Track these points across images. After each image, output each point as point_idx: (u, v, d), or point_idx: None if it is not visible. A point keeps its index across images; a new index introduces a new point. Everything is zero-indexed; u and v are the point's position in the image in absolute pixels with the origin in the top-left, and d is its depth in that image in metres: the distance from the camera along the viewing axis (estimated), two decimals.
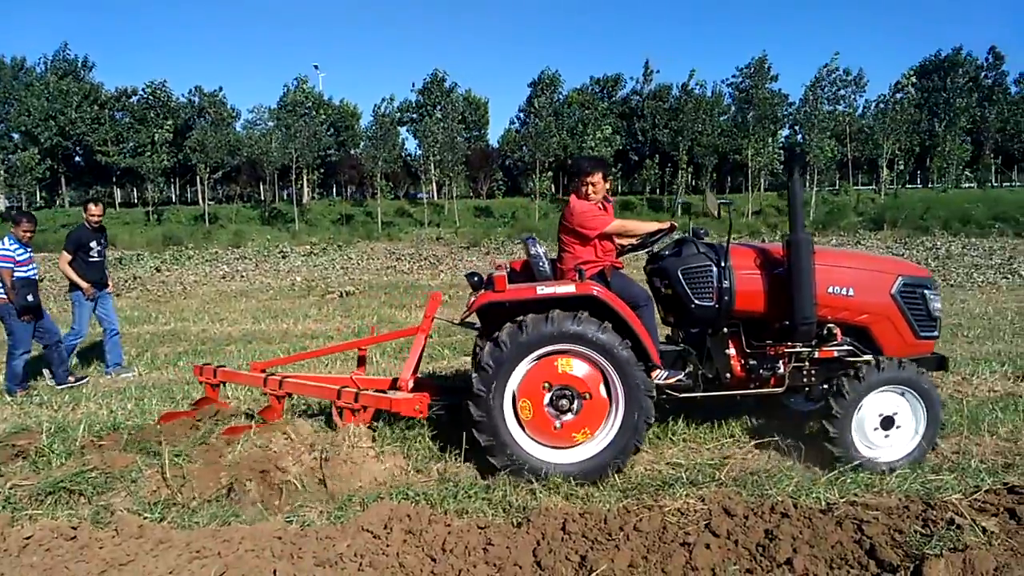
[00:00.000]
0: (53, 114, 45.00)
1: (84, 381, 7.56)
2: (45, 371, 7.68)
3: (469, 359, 8.07)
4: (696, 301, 4.84)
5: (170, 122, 44.46)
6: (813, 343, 4.88)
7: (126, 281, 17.20)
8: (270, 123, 45.74)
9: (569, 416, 4.57)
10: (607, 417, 4.60)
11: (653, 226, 5.14)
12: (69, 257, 7.94)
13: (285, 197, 50.51)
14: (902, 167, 48.67)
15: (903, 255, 19.63)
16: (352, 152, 54.23)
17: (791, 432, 5.07)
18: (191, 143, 43.06)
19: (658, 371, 4.77)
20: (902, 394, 4.68)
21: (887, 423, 4.67)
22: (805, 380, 4.99)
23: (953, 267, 17.45)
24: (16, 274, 7.18)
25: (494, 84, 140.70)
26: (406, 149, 53.58)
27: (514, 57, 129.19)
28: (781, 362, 4.94)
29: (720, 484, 4.31)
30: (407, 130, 54.42)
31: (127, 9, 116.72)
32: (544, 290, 4.56)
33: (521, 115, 57.00)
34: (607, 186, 5.11)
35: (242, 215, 43.82)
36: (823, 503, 3.89)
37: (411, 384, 5.01)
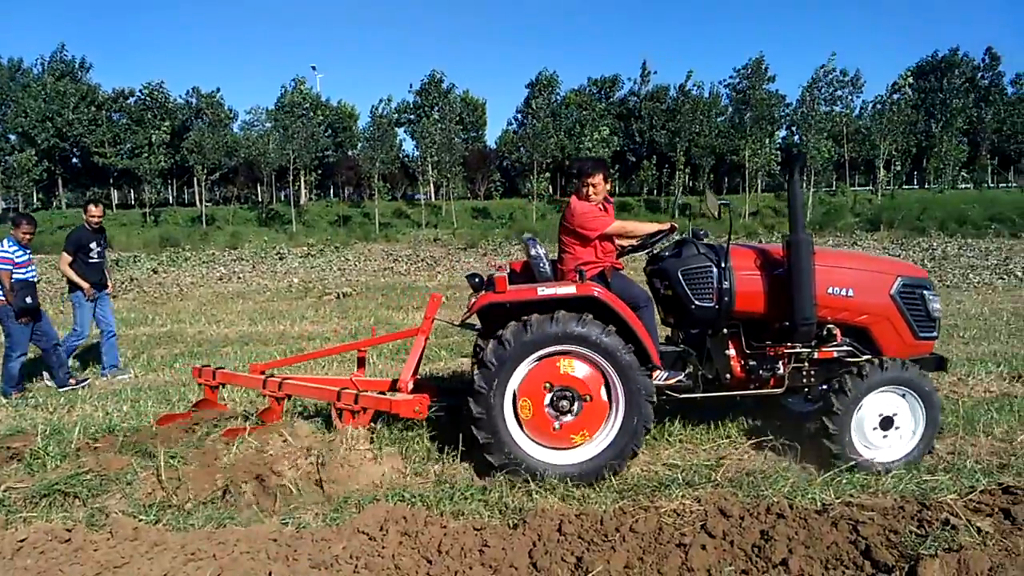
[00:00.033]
0: (50, 115, 44.95)
1: (85, 383, 7.55)
2: (45, 373, 7.67)
3: (466, 361, 8.08)
4: (696, 302, 4.85)
5: (167, 123, 44.50)
6: (813, 344, 4.89)
7: (122, 283, 17.17)
8: (267, 124, 45.82)
9: (569, 417, 4.57)
10: (606, 420, 4.60)
11: (653, 227, 5.16)
12: (69, 258, 7.93)
13: (282, 198, 50.54)
14: (899, 168, 48.84)
15: (900, 256, 19.68)
16: (350, 153, 54.23)
17: (787, 433, 5.07)
18: (188, 144, 43.06)
19: (658, 372, 4.78)
20: (903, 395, 4.69)
21: (886, 423, 4.68)
22: (804, 381, 5.00)
23: (949, 268, 17.48)
24: (15, 276, 7.16)
25: (492, 85, 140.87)
26: (404, 150, 53.59)
27: (512, 58, 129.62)
28: (781, 363, 4.95)
29: (716, 485, 4.32)
30: (405, 131, 54.40)
31: (124, 10, 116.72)
32: (545, 291, 4.56)
33: (519, 116, 57.06)
34: (607, 187, 5.12)
35: (239, 216, 43.83)
36: (819, 504, 3.89)
37: (411, 385, 5.01)
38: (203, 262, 23.48)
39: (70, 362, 7.92)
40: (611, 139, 49.35)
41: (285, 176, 45.20)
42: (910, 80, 45.53)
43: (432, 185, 48.79)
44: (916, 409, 4.70)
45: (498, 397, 4.51)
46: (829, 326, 4.83)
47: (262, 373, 5.42)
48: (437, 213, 43.43)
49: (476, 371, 4.56)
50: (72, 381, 7.47)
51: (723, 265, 4.82)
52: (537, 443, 4.61)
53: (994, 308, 11.53)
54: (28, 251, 7.43)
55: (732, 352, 5.01)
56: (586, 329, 4.46)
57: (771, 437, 5.07)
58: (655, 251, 5.32)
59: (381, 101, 48.69)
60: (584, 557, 3.36)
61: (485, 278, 5.03)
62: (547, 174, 47.20)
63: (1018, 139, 53.82)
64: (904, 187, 53.49)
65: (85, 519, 3.91)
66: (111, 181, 50.95)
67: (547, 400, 4.55)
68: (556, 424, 4.56)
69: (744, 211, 39.16)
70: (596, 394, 4.56)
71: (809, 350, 4.92)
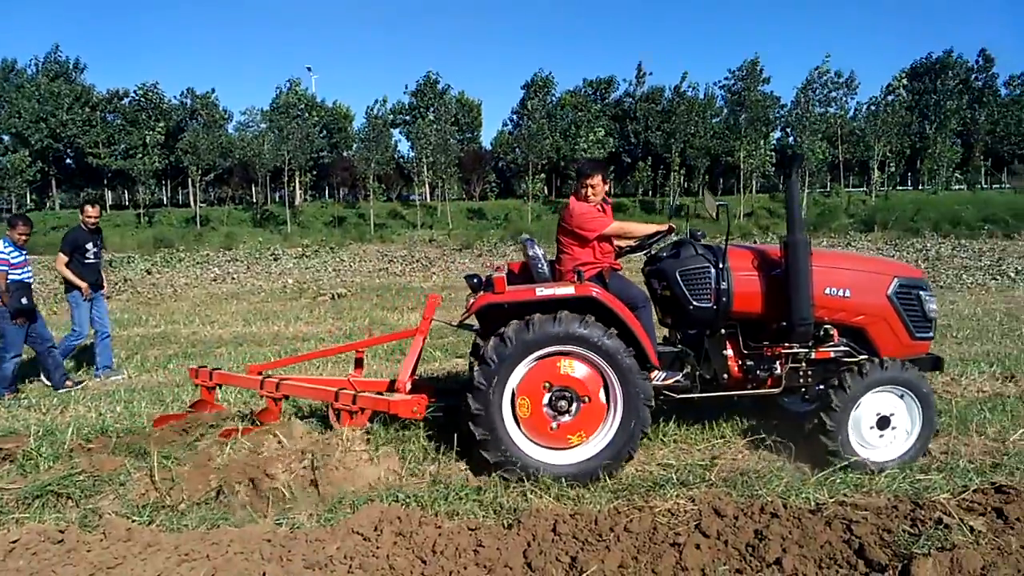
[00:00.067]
0: (44, 116, 44.83)
1: (81, 385, 7.52)
2: (43, 375, 7.64)
3: (461, 361, 8.08)
4: (694, 302, 4.86)
5: (162, 124, 44.44)
6: (810, 344, 4.91)
7: (116, 283, 17.09)
8: (262, 125, 45.73)
9: (566, 418, 4.57)
10: (604, 422, 4.61)
11: (652, 228, 5.18)
12: (65, 258, 7.90)
13: (277, 199, 50.43)
14: (893, 169, 49.05)
15: (894, 256, 19.74)
16: (345, 154, 54.19)
17: (781, 433, 5.08)
18: (183, 145, 43.02)
19: (656, 372, 4.80)
20: (901, 396, 4.71)
21: (883, 423, 4.69)
22: (802, 381, 5.01)
23: (943, 268, 17.55)
24: (10, 277, 7.13)
25: (487, 86, 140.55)
26: (399, 151, 53.60)
27: (507, 59, 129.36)
28: (778, 363, 4.97)
29: (710, 485, 4.32)
30: (400, 132, 54.43)
31: (119, 11, 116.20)
32: (543, 292, 4.57)
33: (514, 117, 57.18)
34: (606, 188, 5.13)
35: (234, 217, 43.73)
36: (812, 503, 3.90)
37: (409, 386, 5.01)
38: (197, 263, 23.40)
39: (65, 363, 7.89)
40: (606, 140, 49.48)
41: (280, 177, 45.13)
42: (904, 81, 45.86)
43: (427, 186, 48.80)
44: (913, 410, 4.72)
45: (497, 394, 4.51)
46: (826, 326, 4.84)
47: (259, 374, 5.41)
48: (432, 214, 43.43)
49: (476, 367, 4.56)
50: (68, 383, 7.44)
51: (721, 266, 4.83)
52: (533, 442, 4.61)
53: (987, 308, 11.58)
54: (24, 252, 7.40)
55: (730, 352, 5.03)
56: (588, 330, 4.46)
57: (765, 437, 5.09)
58: (653, 252, 5.33)
59: (376, 102, 48.83)
60: (579, 557, 3.36)
61: (484, 279, 5.03)
62: (542, 175, 47.29)
63: (1011, 140, 54.15)
64: (898, 188, 53.71)
65: (78, 520, 3.89)
66: (105, 182, 50.78)
67: (546, 400, 4.55)
68: (553, 424, 4.56)
69: (739, 212, 39.25)
70: (595, 396, 4.56)
71: (806, 350, 4.93)
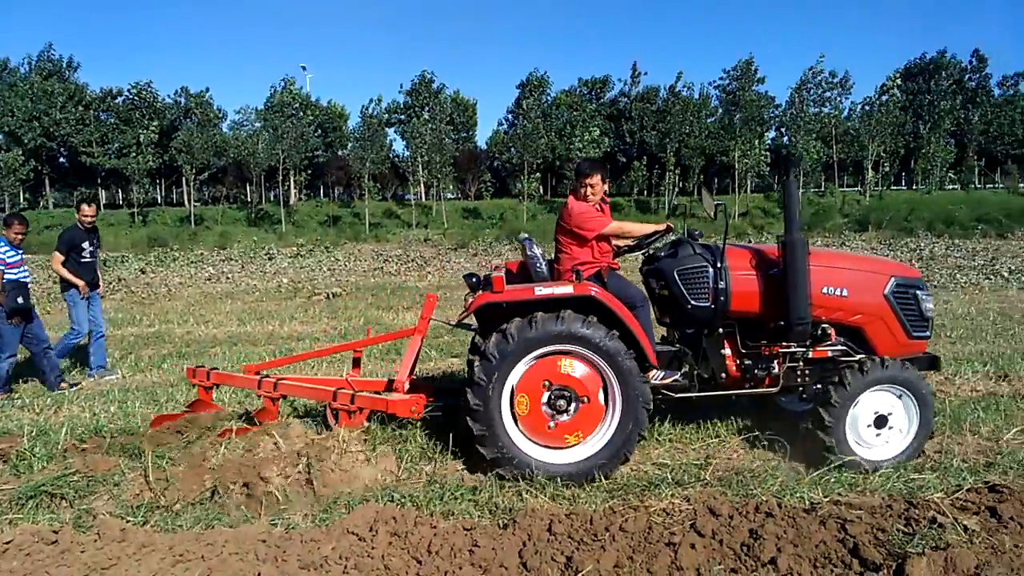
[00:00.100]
0: (37, 115, 44.52)
1: (77, 387, 7.49)
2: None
3: (457, 361, 8.08)
4: (692, 302, 4.87)
5: (156, 123, 44.17)
6: (808, 343, 4.92)
7: (110, 283, 17.04)
8: (257, 124, 45.55)
9: (564, 417, 4.58)
10: (602, 423, 4.62)
11: (650, 227, 5.19)
12: (62, 258, 7.88)
13: (272, 198, 50.24)
14: (887, 169, 49.12)
15: (888, 256, 19.79)
16: (340, 153, 53.99)
17: (776, 432, 5.10)
18: (177, 144, 42.76)
19: (654, 372, 4.81)
20: (899, 395, 4.73)
21: (880, 422, 4.71)
22: (799, 380, 5.03)
23: (936, 268, 17.62)
24: (7, 276, 7.10)
25: (482, 85, 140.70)
26: (394, 150, 53.41)
27: (502, 59, 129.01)
28: (776, 362, 4.99)
29: (705, 484, 4.33)
30: (395, 131, 54.27)
31: (112, 9, 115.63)
32: (542, 291, 4.58)
33: (509, 116, 56.97)
34: (605, 187, 5.13)
35: (228, 216, 43.55)
36: (807, 502, 3.91)
37: (407, 385, 5.01)
38: (191, 262, 23.34)
39: (61, 363, 7.86)
40: (601, 140, 49.43)
41: (274, 176, 44.91)
42: (898, 82, 45.88)
43: (422, 185, 48.65)
44: (911, 409, 4.74)
45: (496, 390, 4.51)
46: (824, 326, 4.86)
47: (257, 373, 5.40)
48: (427, 213, 43.32)
49: (477, 363, 4.57)
50: (64, 385, 7.41)
51: (719, 265, 4.85)
52: (531, 440, 4.62)
53: (981, 308, 11.63)
54: (20, 251, 7.38)
55: (728, 352, 5.04)
56: (589, 331, 4.47)
57: (760, 436, 5.10)
58: (651, 251, 5.34)
59: (371, 101, 48.76)
60: (574, 557, 3.36)
61: (482, 278, 5.03)
62: (538, 174, 47.19)
63: (1005, 141, 54.28)
64: (892, 188, 53.81)
65: (72, 520, 3.88)
66: (99, 181, 50.50)
67: (545, 398, 4.56)
68: (551, 423, 4.57)
69: (734, 212, 39.29)
70: (594, 396, 4.57)
71: (804, 350, 4.95)
